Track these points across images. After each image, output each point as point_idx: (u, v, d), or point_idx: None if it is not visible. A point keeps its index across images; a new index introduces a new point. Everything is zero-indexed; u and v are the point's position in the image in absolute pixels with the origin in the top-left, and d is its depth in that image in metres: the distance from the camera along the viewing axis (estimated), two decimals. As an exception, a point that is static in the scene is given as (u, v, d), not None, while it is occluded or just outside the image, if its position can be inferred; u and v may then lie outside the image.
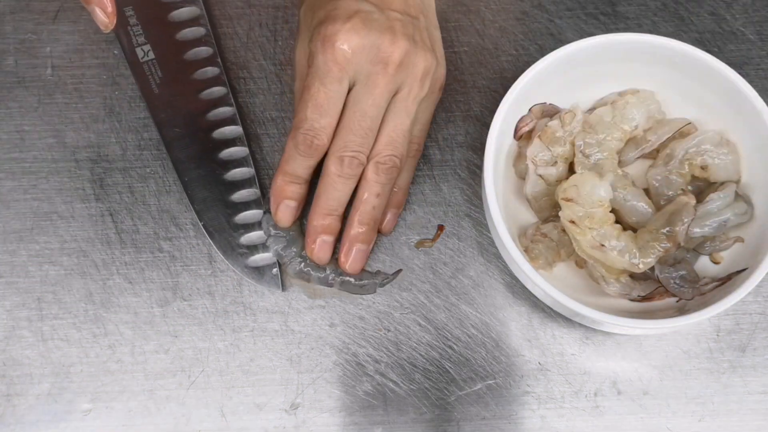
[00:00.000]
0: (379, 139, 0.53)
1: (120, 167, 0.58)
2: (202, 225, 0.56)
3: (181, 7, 0.59)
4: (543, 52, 0.59)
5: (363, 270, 0.55)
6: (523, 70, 0.53)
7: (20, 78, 0.60)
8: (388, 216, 0.56)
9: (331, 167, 0.52)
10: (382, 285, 0.55)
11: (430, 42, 0.54)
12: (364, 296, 0.56)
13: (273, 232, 0.55)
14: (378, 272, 0.55)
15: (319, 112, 0.51)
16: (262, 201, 0.57)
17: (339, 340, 0.55)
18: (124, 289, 0.56)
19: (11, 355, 0.55)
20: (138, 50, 0.57)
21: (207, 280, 0.56)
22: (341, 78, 0.51)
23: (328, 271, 0.55)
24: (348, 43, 0.50)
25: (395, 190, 0.55)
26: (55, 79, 0.60)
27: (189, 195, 0.56)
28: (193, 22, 0.59)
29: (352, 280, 0.55)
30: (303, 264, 0.55)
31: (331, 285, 0.55)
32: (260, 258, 0.55)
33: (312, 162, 0.53)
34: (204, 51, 0.58)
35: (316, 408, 0.54)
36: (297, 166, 0.53)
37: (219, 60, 0.58)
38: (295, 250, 0.55)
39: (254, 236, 0.56)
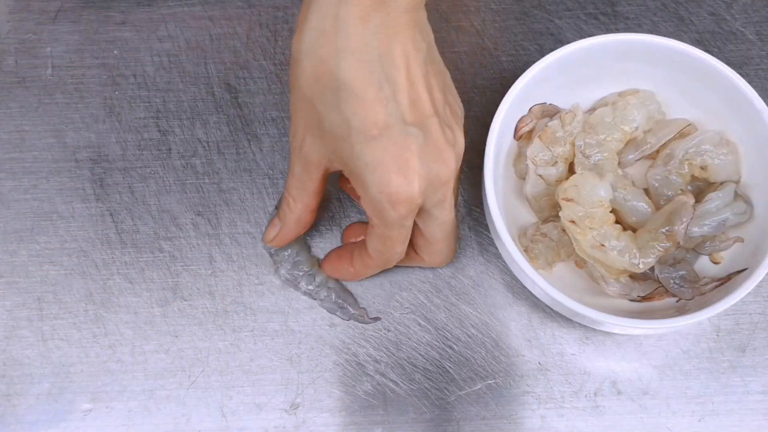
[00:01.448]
0: None
1: (120, 167, 0.58)
2: None
3: None
4: (543, 52, 0.59)
5: (351, 295, 0.56)
6: (523, 70, 0.53)
7: (20, 78, 0.60)
8: None
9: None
10: (355, 320, 0.55)
11: (455, 122, 0.51)
12: (363, 297, 0.56)
13: None
14: (362, 308, 0.55)
15: (402, 247, 0.50)
16: None
17: (339, 340, 0.55)
18: (124, 289, 0.56)
19: (11, 355, 0.55)
20: None
21: (207, 280, 0.56)
22: (413, 214, 0.49)
23: (316, 282, 0.55)
24: (414, 193, 0.47)
25: None
26: (56, 79, 0.60)
27: None
28: None
29: (333, 296, 0.55)
30: (295, 271, 0.55)
31: (314, 299, 0.55)
32: None
33: None
34: None
35: (316, 408, 0.54)
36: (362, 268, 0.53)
37: None
38: (287, 253, 0.55)
39: None
